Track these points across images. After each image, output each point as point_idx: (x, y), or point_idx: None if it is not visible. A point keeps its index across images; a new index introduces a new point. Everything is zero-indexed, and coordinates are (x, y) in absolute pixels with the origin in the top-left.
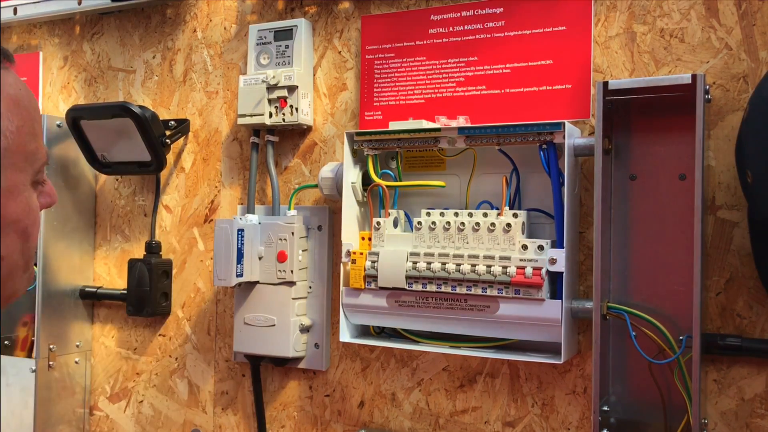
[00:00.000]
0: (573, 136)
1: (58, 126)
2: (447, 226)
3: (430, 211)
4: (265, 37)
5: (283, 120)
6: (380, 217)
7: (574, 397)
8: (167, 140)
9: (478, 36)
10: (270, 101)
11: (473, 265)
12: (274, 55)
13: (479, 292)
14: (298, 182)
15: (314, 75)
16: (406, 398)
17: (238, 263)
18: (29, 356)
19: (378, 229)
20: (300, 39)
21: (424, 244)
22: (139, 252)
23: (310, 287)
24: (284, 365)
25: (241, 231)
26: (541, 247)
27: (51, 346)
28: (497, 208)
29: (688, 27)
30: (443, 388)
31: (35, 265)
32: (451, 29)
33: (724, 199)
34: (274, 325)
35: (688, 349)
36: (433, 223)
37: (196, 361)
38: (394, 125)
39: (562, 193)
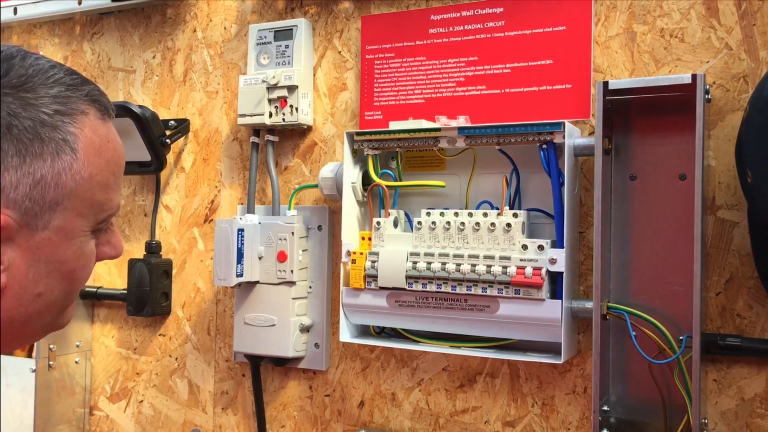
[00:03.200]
0: (573, 136)
1: None
2: (447, 226)
3: (430, 211)
4: (265, 37)
5: (283, 120)
6: (380, 217)
7: (574, 396)
8: (167, 140)
9: (478, 36)
10: (270, 101)
11: (473, 265)
12: (274, 55)
13: (479, 292)
14: (298, 182)
15: (314, 75)
16: (406, 398)
17: (238, 263)
18: (29, 356)
19: (378, 229)
20: (300, 39)
21: (424, 244)
22: (139, 252)
23: (310, 287)
24: (284, 365)
25: (241, 231)
26: (541, 247)
27: (51, 346)
28: (497, 208)
29: (688, 27)
30: (443, 388)
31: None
32: (451, 29)
33: (724, 199)
34: (274, 325)
35: (688, 349)
36: (433, 223)
37: (196, 361)
38: (394, 125)
39: (562, 193)
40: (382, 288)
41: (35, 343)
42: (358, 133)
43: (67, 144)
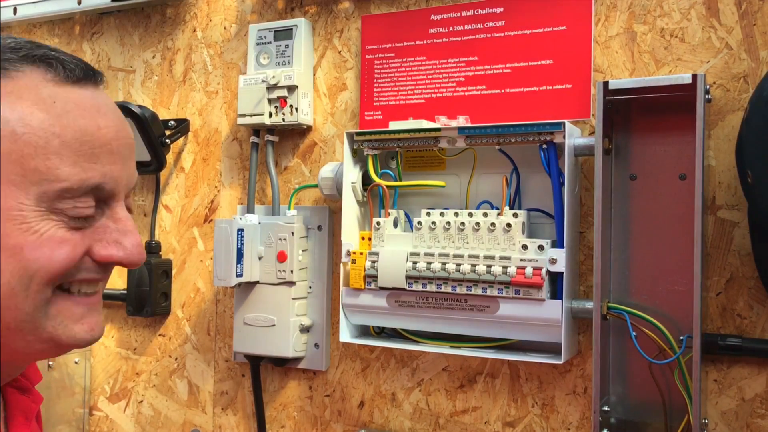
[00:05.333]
0: (573, 135)
1: None
2: (447, 226)
3: (430, 211)
4: (265, 37)
5: (283, 120)
6: (380, 217)
7: (575, 397)
8: (167, 140)
9: (478, 36)
10: (270, 101)
11: (473, 265)
12: (274, 55)
13: (479, 292)
14: (298, 182)
15: (314, 75)
16: (406, 398)
17: (238, 263)
18: None
19: (378, 229)
20: (300, 39)
21: (424, 244)
22: None
23: (310, 287)
24: (284, 365)
25: (241, 231)
26: (541, 247)
27: None
28: (497, 208)
29: (688, 27)
30: (443, 388)
31: None
32: (451, 29)
33: (725, 199)
34: (274, 325)
35: (689, 349)
36: (433, 223)
37: (195, 361)
38: (394, 125)
39: (562, 193)
40: (382, 288)
41: None
42: (358, 133)
43: None
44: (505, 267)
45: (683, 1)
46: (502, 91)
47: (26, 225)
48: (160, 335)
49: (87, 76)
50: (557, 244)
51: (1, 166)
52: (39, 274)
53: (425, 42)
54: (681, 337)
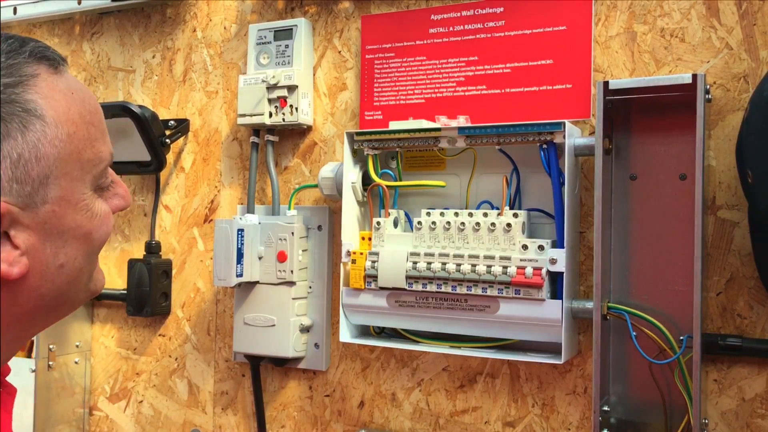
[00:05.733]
0: (573, 135)
1: None
2: (447, 226)
3: (430, 211)
4: (265, 37)
5: (283, 120)
6: (380, 217)
7: (575, 397)
8: (167, 140)
9: (478, 36)
10: (270, 101)
11: (473, 265)
12: (274, 55)
13: (479, 292)
14: (298, 182)
15: (314, 75)
16: (406, 398)
17: (238, 263)
18: (29, 356)
19: (378, 229)
20: (300, 39)
21: (424, 244)
22: (138, 252)
23: (310, 287)
24: (284, 365)
25: (241, 231)
26: (541, 247)
27: (51, 346)
28: (497, 208)
29: (688, 27)
30: (443, 388)
31: None
32: (451, 29)
33: (725, 199)
34: (274, 325)
35: (689, 349)
36: (433, 223)
37: (195, 361)
38: (394, 125)
39: (563, 193)
40: (382, 288)
41: (35, 344)
42: (358, 133)
43: (30, 113)
44: (505, 267)
45: (683, 1)
46: (502, 91)
47: (90, 212)
48: (160, 335)
49: (64, 59)
50: (557, 244)
51: (67, 167)
52: (100, 248)
53: (425, 42)
54: (681, 337)
